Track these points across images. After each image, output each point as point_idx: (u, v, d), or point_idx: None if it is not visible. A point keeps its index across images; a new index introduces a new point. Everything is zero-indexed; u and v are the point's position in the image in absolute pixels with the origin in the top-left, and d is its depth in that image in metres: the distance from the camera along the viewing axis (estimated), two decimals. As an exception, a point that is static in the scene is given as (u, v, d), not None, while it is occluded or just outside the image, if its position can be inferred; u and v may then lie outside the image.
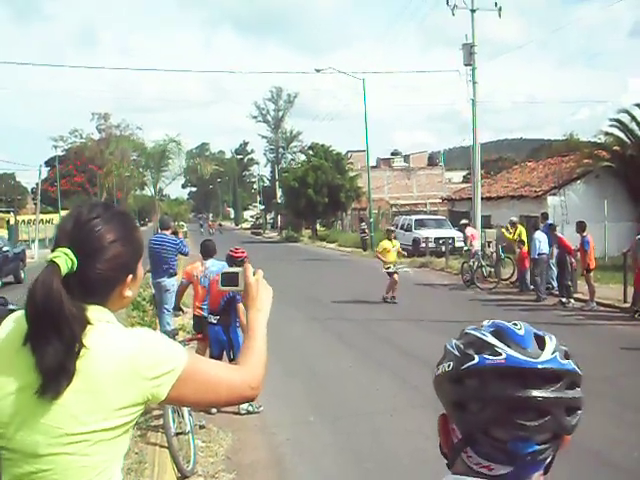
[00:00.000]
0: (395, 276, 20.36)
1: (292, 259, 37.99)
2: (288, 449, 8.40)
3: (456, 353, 1.57)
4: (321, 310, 18.64)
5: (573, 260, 19.03)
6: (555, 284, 20.40)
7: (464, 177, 76.04)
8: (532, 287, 20.97)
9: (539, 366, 1.44)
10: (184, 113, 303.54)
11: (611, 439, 8.06)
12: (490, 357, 1.47)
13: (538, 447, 1.44)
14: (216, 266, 10.18)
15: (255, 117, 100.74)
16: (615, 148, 35.15)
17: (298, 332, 15.30)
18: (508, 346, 1.48)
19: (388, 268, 20.40)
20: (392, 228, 23.38)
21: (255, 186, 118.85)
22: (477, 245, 25.05)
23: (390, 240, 20.84)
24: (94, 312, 2.02)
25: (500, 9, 29.93)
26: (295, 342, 14.14)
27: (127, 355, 2.01)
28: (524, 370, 1.43)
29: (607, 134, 35.98)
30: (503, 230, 24.11)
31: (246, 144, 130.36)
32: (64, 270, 1.96)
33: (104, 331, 2.02)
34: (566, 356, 1.50)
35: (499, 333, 1.53)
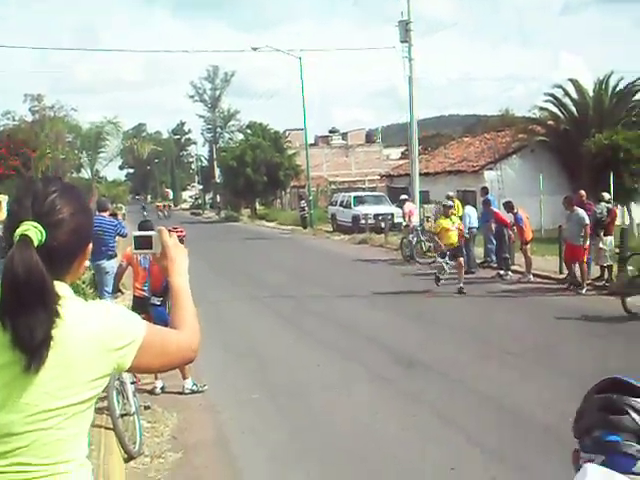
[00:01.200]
0: (460, 259, 17.65)
1: (231, 238, 37.85)
2: (233, 427, 8.45)
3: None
4: (261, 289, 18.63)
5: (510, 233, 19.33)
6: (494, 257, 20.72)
7: (402, 153, 76.30)
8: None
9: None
10: (120, 94, 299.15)
11: (548, 405, 8.26)
12: None
13: (621, 438, 1.82)
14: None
15: (192, 97, 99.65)
16: (549, 123, 35.75)
17: (239, 311, 15.32)
18: None
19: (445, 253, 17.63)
20: (449, 202, 18.57)
21: (193, 166, 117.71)
22: (415, 221, 25.25)
23: (449, 217, 17.70)
24: (58, 288, 2.04)
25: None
26: (236, 321, 14.17)
27: (95, 328, 2.07)
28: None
29: (542, 109, 36.55)
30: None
31: (183, 124, 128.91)
32: (35, 243, 1.97)
33: (70, 306, 2.05)
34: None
35: None
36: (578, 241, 15.99)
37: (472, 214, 20.76)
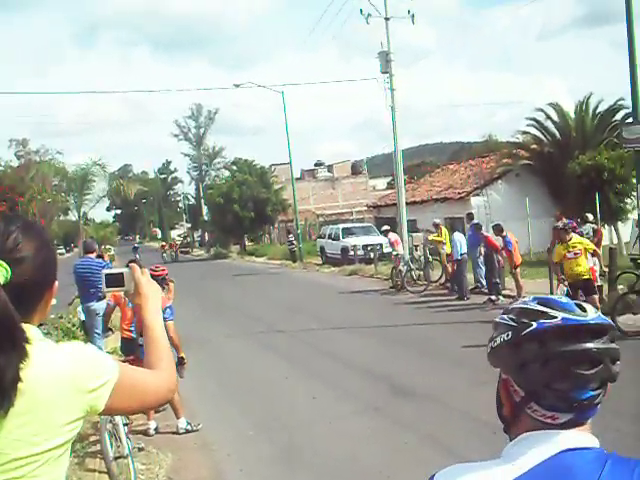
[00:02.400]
0: (595, 297, 14.25)
1: (222, 275, 37.83)
2: (229, 465, 8.38)
3: (512, 324, 1.75)
4: (254, 324, 18.60)
5: (500, 258, 19.35)
6: (484, 282, 20.73)
7: (388, 183, 76.72)
8: (456, 288, 21.31)
9: (590, 322, 1.68)
10: (104, 135, 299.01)
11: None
12: (547, 321, 1.69)
13: (593, 393, 1.67)
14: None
15: (176, 135, 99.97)
16: (533, 146, 36.00)
17: (232, 348, 15.26)
18: (558, 311, 1.71)
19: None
20: (562, 224, 15.20)
21: (180, 205, 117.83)
22: (401, 249, 25.28)
23: (564, 243, 14.26)
24: (27, 330, 1.97)
25: (413, 16, 30.27)
26: (230, 358, 14.10)
27: (66, 369, 2.01)
28: (579, 327, 1.67)
29: (524, 133, 36.84)
30: (432, 237, 24.35)
31: (169, 163, 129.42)
32: (1, 281, 1.92)
33: (40, 348, 1.99)
34: (603, 314, 1.76)
35: (546, 303, 1.75)
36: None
37: (461, 240, 20.84)
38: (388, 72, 30.34)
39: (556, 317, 1.68)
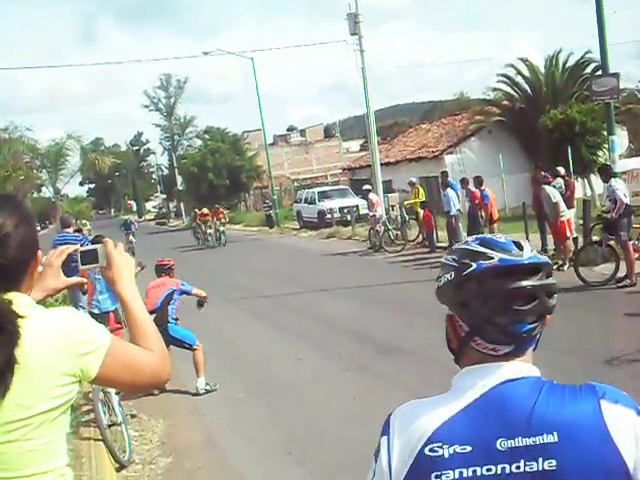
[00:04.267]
0: None
1: (186, 243, 37.85)
2: (221, 428, 8.58)
3: (454, 265, 1.86)
4: (235, 290, 18.73)
5: (482, 213, 19.55)
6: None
7: (361, 145, 76.60)
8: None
9: (525, 261, 1.80)
10: (74, 110, 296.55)
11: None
12: (485, 262, 1.80)
13: (530, 326, 1.80)
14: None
15: (147, 106, 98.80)
16: (504, 103, 36.16)
17: (217, 314, 15.36)
18: (496, 251, 1.82)
19: None
20: None
21: (154, 176, 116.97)
22: (380, 210, 25.42)
23: None
24: (15, 299, 2.02)
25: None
26: (215, 324, 14.22)
27: (58, 335, 2.04)
28: (514, 266, 1.79)
29: (495, 90, 37.00)
30: (407, 202, 24.50)
31: (141, 135, 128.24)
32: None
33: (31, 315, 2.02)
34: (540, 253, 1.90)
35: (486, 243, 1.87)
36: (555, 218, 16.18)
37: (454, 197, 20.80)
38: (357, 34, 30.34)
39: (493, 258, 1.80)
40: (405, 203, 25.09)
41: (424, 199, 24.48)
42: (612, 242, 14.45)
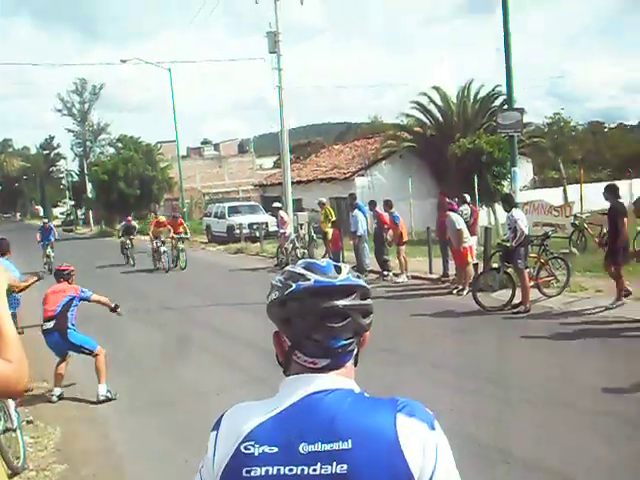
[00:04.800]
0: None
1: (107, 254, 37.31)
2: (119, 436, 8.59)
3: (279, 285, 2.03)
4: (142, 302, 18.61)
5: (388, 237, 19.95)
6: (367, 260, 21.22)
7: (275, 163, 76.86)
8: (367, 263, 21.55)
9: (337, 283, 1.96)
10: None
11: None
12: (303, 283, 1.97)
13: (345, 342, 1.97)
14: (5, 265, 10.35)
15: (60, 110, 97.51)
16: (417, 129, 36.96)
17: (120, 325, 15.28)
18: (315, 273, 1.99)
19: None
20: None
21: (64, 182, 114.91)
22: (289, 228, 25.63)
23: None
24: None
25: (302, -5, 30.61)
26: (118, 334, 14.16)
27: None
28: (327, 287, 1.95)
29: (408, 116, 37.78)
30: (323, 213, 24.70)
31: (52, 139, 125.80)
32: None
33: None
34: (358, 277, 2.05)
35: (308, 267, 2.03)
36: (458, 243, 16.68)
37: (361, 218, 21.05)
38: (276, 52, 30.58)
39: (310, 279, 1.97)
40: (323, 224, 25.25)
41: (334, 219, 24.81)
42: (510, 270, 14.99)
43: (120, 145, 61.19)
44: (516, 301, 14.50)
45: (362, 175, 35.94)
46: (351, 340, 1.99)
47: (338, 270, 2.02)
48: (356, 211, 21.07)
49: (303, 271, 2.01)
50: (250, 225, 35.24)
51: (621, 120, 65.63)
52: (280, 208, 26.62)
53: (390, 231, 19.95)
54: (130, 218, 32.40)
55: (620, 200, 14.05)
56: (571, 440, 7.26)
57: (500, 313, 14.24)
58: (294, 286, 1.98)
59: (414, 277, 19.47)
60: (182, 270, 26.15)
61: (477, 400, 8.77)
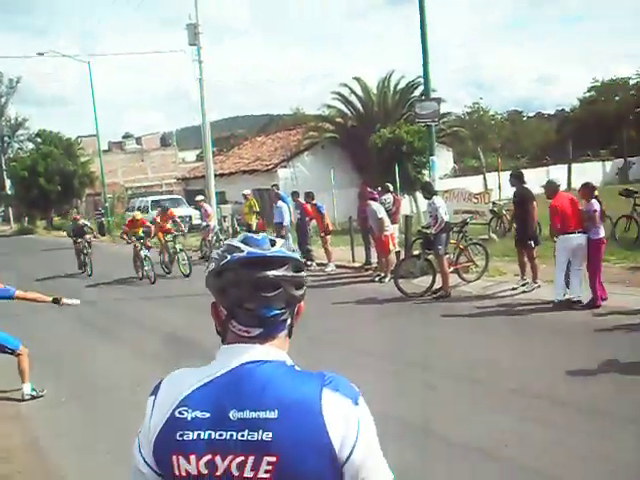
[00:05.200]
0: None
1: (27, 251, 36.80)
2: (43, 432, 8.55)
3: (216, 257, 2.13)
4: (59, 294, 18.39)
5: (311, 225, 20.16)
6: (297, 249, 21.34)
7: (197, 156, 76.44)
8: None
9: (268, 254, 2.07)
10: None
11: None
12: (237, 254, 2.07)
13: (278, 311, 2.07)
14: None
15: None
16: (338, 120, 37.17)
17: (40, 319, 15.15)
18: (249, 246, 2.09)
19: None
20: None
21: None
22: (213, 221, 25.61)
23: None
24: None
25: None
26: (38, 329, 14.04)
27: None
28: (260, 258, 2.06)
29: (330, 107, 37.96)
30: (247, 205, 24.78)
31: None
32: None
33: None
34: (292, 250, 2.16)
35: (244, 240, 2.14)
36: (379, 232, 16.91)
37: (285, 209, 21.15)
38: (196, 44, 30.48)
39: (244, 251, 2.07)
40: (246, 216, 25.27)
41: (258, 210, 24.90)
42: (430, 256, 15.30)
43: (39, 140, 60.05)
44: (436, 287, 14.84)
45: (285, 167, 36.06)
46: (283, 310, 2.09)
47: (273, 244, 2.12)
48: (280, 202, 21.20)
49: (239, 244, 2.11)
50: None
51: (539, 109, 66.93)
52: (203, 200, 26.57)
53: (313, 221, 20.16)
54: (78, 216, 26.86)
55: (525, 185, 14.56)
56: (493, 417, 7.54)
57: (421, 299, 14.55)
58: (229, 257, 2.07)
59: (338, 266, 19.73)
60: (186, 277, 20.70)
61: (399, 382, 9.00)
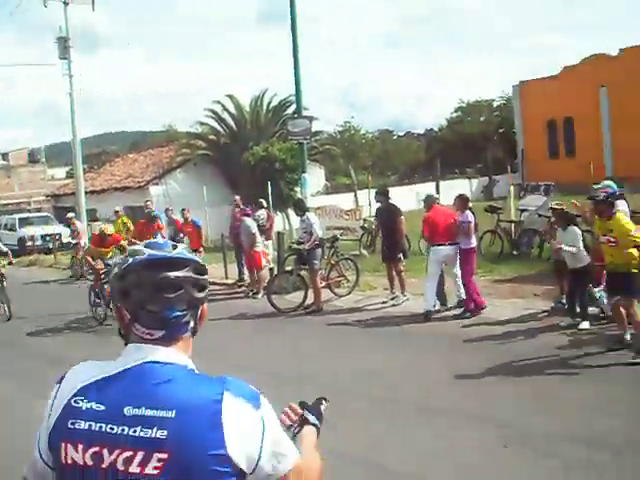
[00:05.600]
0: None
1: None
2: None
3: (119, 262, 2.18)
4: None
5: (185, 238, 20.16)
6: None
7: (67, 172, 74.79)
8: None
9: (168, 255, 2.14)
10: None
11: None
12: (139, 257, 2.13)
13: (180, 313, 2.12)
14: None
15: None
16: (211, 137, 37.12)
17: None
18: (151, 249, 2.15)
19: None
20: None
21: None
22: (84, 238, 25.16)
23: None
24: None
25: (93, 2, 30.15)
26: None
27: None
28: (160, 260, 2.12)
29: (202, 124, 37.86)
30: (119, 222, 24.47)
31: None
32: None
33: None
34: (192, 253, 2.25)
35: (147, 244, 2.21)
36: (251, 247, 17.00)
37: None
38: (67, 58, 29.98)
39: (145, 253, 2.13)
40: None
41: (130, 228, 24.65)
42: (302, 272, 15.55)
43: None
44: (309, 302, 15.07)
45: (157, 184, 35.74)
46: (185, 312, 2.15)
47: (174, 247, 2.20)
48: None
49: (141, 247, 2.18)
50: (43, 237, 34.25)
51: (409, 129, 68.43)
52: (74, 218, 26.11)
53: (186, 237, 20.13)
54: None
55: (391, 201, 15.11)
56: (371, 426, 7.85)
57: (294, 314, 14.77)
58: (131, 260, 2.13)
59: (211, 283, 19.56)
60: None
61: (275, 396, 9.12)
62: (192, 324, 2.21)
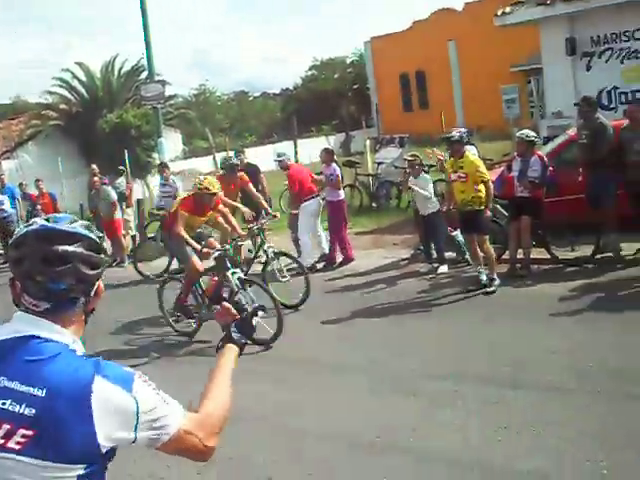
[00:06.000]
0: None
1: None
2: None
3: (18, 230, 2.17)
4: None
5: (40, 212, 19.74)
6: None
7: None
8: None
9: (58, 227, 2.13)
10: None
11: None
12: (30, 227, 2.12)
13: (66, 287, 2.10)
14: None
15: None
16: (62, 107, 36.08)
17: None
18: (48, 222, 2.14)
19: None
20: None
21: None
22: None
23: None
24: None
25: None
26: None
27: None
28: (50, 232, 2.10)
29: (52, 94, 36.75)
30: None
31: None
32: None
33: None
34: (90, 229, 2.22)
35: (47, 217, 2.18)
36: (109, 216, 16.85)
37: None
38: None
39: (37, 223, 2.12)
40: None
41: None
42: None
43: None
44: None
45: (8, 158, 34.54)
46: (72, 286, 2.12)
47: (72, 222, 2.17)
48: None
49: (38, 219, 2.17)
50: None
51: (265, 89, 68.10)
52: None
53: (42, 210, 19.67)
54: None
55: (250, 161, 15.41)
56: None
57: (161, 279, 14.65)
58: (25, 230, 2.12)
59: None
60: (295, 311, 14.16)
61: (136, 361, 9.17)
62: (82, 300, 2.19)
